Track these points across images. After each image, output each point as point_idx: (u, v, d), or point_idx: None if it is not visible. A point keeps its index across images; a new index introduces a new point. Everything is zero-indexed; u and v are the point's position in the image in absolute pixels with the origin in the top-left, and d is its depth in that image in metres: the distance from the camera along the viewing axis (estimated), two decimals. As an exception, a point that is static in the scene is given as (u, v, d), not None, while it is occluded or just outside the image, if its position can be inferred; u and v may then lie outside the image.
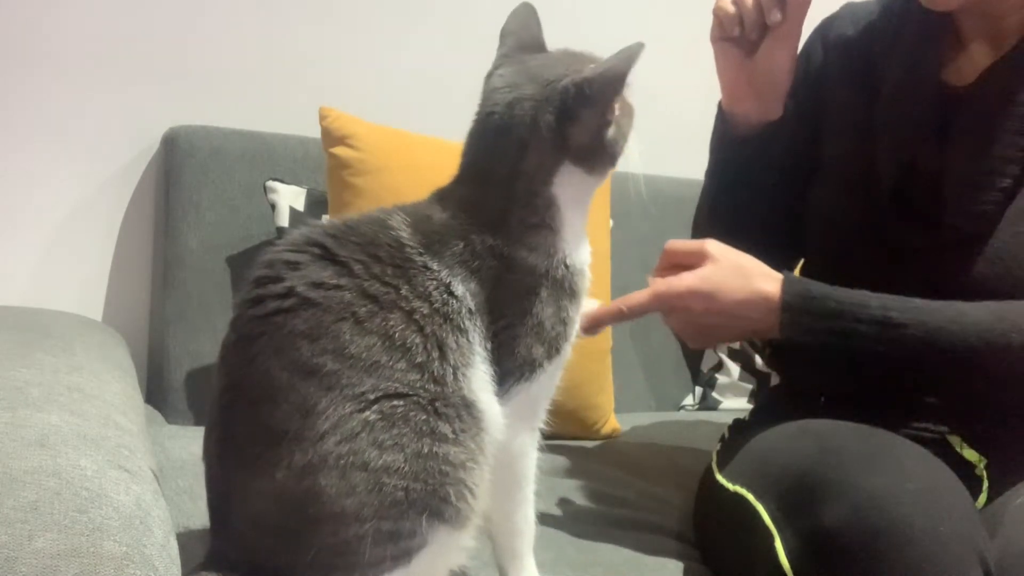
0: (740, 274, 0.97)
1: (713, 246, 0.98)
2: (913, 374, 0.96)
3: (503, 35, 0.88)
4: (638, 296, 0.98)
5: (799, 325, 0.94)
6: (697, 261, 0.97)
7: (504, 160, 0.81)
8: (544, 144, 0.81)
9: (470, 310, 0.78)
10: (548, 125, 0.80)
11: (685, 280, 0.96)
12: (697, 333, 1.01)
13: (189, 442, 1.11)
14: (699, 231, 1.16)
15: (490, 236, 0.80)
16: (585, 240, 0.87)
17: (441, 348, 0.75)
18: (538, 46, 0.88)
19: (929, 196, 1.00)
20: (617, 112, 0.82)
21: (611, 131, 0.82)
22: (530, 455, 0.86)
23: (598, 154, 0.83)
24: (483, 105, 0.84)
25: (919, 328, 0.91)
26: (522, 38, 0.87)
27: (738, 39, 1.06)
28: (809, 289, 0.95)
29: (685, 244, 1.00)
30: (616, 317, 0.98)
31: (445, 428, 0.74)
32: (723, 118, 1.13)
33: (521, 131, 0.80)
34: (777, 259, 1.00)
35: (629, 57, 0.79)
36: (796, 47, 1.07)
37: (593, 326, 0.97)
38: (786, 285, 0.96)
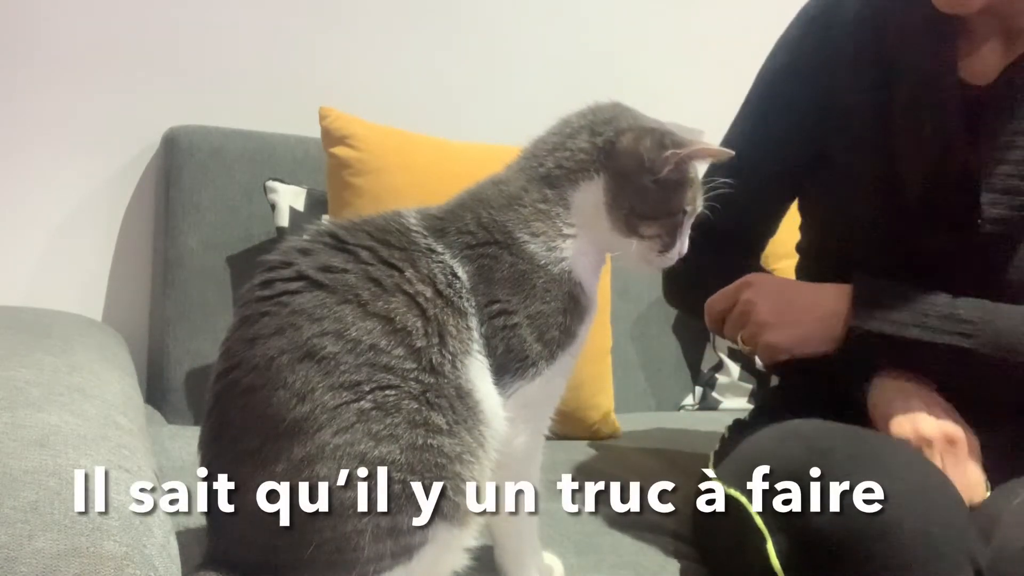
0: (794, 282, 1.01)
1: (754, 276, 1.02)
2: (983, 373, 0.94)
3: None
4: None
5: (875, 307, 0.94)
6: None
7: (547, 143, 0.85)
8: (591, 147, 0.83)
9: (469, 291, 0.79)
10: (604, 134, 0.83)
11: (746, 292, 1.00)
12: (775, 308, 0.99)
13: (189, 442, 1.10)
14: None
15: (499, 212, 0.82)
16: (596, 276, 0.86)
17: (441, 334, 0.76)
18: None
19: (959, 199, 0.98)
20: (668, 170, 0.82)
21: (654, 181, 0.82)
22: (533, 458, 0.86)
23: (633, 192, 0.82)
24: None
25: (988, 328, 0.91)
26: None
27: None
28: (877, 282, 0.97)
29: (723, 291, 1.03)
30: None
31: (439, 419, 0.74)
32: None
33: (577, 122, 0.84)
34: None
35: (705, 146, 0.84)
36: None
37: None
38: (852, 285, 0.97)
